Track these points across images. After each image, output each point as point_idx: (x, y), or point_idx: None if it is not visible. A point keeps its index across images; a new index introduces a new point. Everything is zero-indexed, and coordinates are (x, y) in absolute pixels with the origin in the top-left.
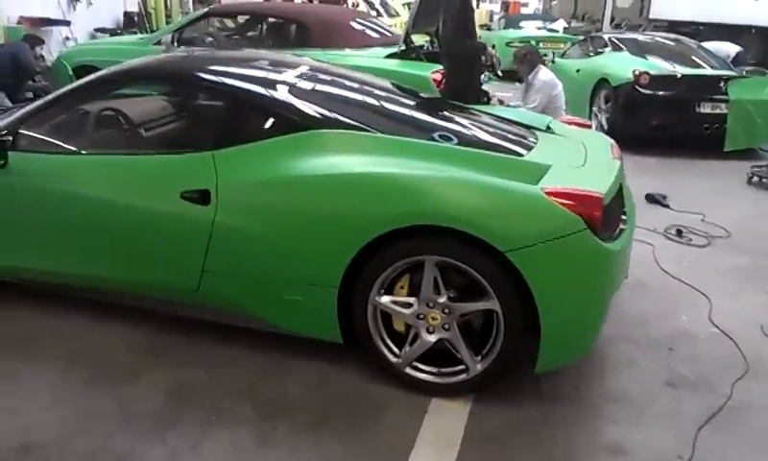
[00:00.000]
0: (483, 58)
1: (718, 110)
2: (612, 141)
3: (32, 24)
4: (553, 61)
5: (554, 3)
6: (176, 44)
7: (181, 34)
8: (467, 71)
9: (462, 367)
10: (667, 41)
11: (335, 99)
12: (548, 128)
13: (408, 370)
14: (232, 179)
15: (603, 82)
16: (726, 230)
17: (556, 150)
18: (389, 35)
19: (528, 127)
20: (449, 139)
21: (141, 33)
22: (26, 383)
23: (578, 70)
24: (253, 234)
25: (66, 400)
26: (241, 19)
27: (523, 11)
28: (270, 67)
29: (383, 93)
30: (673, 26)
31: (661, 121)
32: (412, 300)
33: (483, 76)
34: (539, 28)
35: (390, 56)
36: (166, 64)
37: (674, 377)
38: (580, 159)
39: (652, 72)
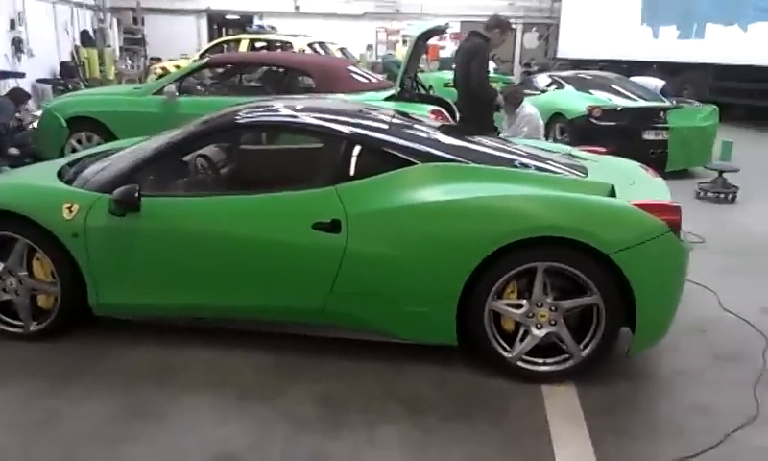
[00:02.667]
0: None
1: (660, 137)
2: (638, 163)
3: None
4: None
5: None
6: (177, 93)
7: (182, 83)
8: (486, 110)
9: (566, 356)
10: (603, 78)
11: (427, 137)
12: (571, 154)
13: (519, 363)
14: (360, 209)
15: (557, 116)
16: (699, 237)
17: (605, 171)
18: (376, 80)
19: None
20: (527, 166)
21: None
22: (188, 406)
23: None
24: (382, 257)
25: (232, 416)
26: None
27: (441, 53)
28: (366, 113)
29: (451, 131)
30: (576, 64)
31: (613, 148)
32: (522, 301)
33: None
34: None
35: (388, 98)
36: (280, 114)
37: (717, 353)
38: (628, 178)
39: (603, 106)
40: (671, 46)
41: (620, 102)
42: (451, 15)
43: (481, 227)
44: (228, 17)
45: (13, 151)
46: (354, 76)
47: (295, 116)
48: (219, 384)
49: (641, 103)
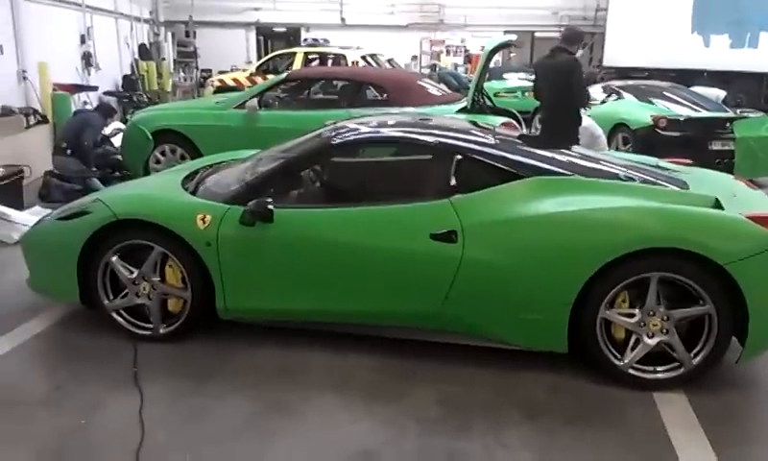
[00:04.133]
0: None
1: (727, 147)
2: (732, 176)
3: (64, 90)
4: None
5: (512, 55)
6: (258, 108)
7: (261, 97)
8: (576, 125)
9: (676, 364)
10: (661, 87)
11: (531, 151)
12: (658, 166)
13: (630, 371)
14: (475, 220)
15: (620, 126)
16: None
17: (704, 183)
18: (445, 93)
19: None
20: (632, 179)
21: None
22: (321, 405)
23: (589, 116)
24: (497, 265)
25: (362, 415)
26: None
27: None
28: (472, 129)
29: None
30: (622, 72)
31: (679, 158)
32: (634, 310)
33: None
34: (520, 79)
35: (460, 111)
36: (398, 130)
37: None
38: (728, 190)
39: (669, 116)
40: (723, 55)
41: (683, 112)
42: (494, 25)
43: (597, 237)
44: (275, 30)
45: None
46: (426, 89)
47: (412, 132)
48: (342, 385)
49: (707, 113)
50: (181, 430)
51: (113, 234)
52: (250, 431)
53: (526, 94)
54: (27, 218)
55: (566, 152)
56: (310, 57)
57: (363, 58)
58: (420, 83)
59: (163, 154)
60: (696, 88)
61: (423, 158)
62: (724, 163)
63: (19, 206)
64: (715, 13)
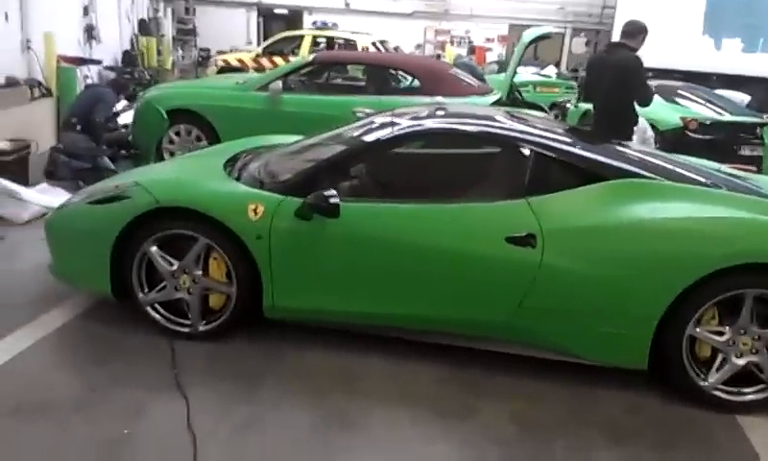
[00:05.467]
0: None
1: (756, 153)
2: None
3: (68, 63)
4: (576, 106)
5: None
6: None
7: (286, 80)
8: (631, 125)
9: (763, 385)
10: (689, 89)
11: (612, 151)
12: (720, 171)
13: (716, 392)
14: (557, 224)
15: None
16: None
17: None
18: (479, 84)
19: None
20: (718, 186)
21: (137, 69)
22: (387, 419)
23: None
24: (579, 274)
25: (436, 433)
26: (351, 67)
27: (488, 56)
28: (546, 125)
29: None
30: None
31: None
32: (724, 328)
33: None
34: (533, 73)
35: (495, 102)
36: (472, 122)
37: None
38: None
39: (700, 119)
40: (735, 58)
41: (710, 115)
42: (501, 17)
43: (693, 249)
44: (275, 12)
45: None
46: (459, 78)
47: (488, 125)
48: (406, 396)
49: (737, 117)
50: (237, 442)
51: (154, 222)
52: (312, 445)
53: (537, 89)
54: (36, 197)
55: (649, 152)
56: (318, 40)
57: (373, 44)
58: (451, 72)
59: (178, 134)
60: (721, 91)
61: (496, 153)
62: (753, 170)
63: (25, 182)
64: (728, 16)
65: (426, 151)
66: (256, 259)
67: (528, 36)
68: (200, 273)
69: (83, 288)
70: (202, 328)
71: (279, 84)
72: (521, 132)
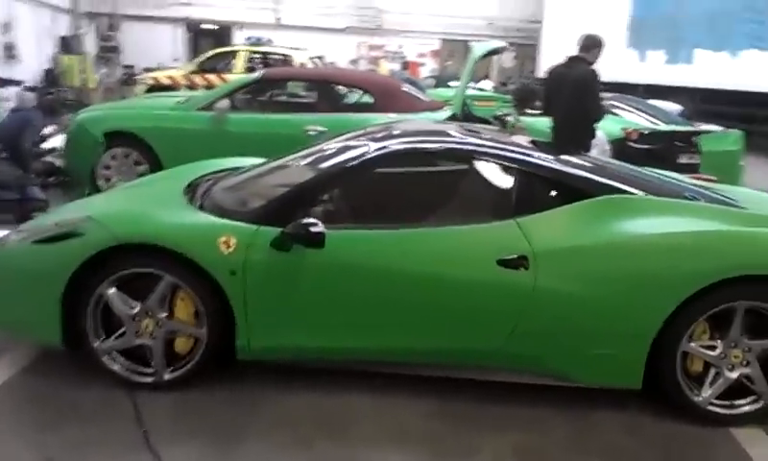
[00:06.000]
0: None
1: (693, 161)
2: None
3: None
4: (518, 120)
5: (447, 64)
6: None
7: (232, 99)
8: (590, 137)
9: (754, 397)
10: (624, 100)
11: (595, 166)
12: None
13: (709, 406)
14: (548, 244)
15: None
16: None
17: (755, 203)
18: (427, 99)
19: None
20: (696, 199)
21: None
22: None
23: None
24: (574, 296)
25: None
26: (296, 84)
27: (421, 70)
28: (528, 144)
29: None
30: None
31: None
32: (716, 342)
33: None
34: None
35: (450, 118)
36: (460, 140)
37: None
38: None
39: (640, 129)
40: (658, 70)
41: (646, 124)
42: (433, 32)
43: (687, 264)
44: (204, 27)
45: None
46: (412, 94)
47: (478, 144)
48: (401, 438)
49: (675, 127)
50: None
51: (110, 261)
52: None
53: (475, 103)
54: None
55: (625, 167)
56: (253, 56)
57: (310, 59)
58: (404, 88)
59: (114, 159)
60: (653, 101)
61: (479, 172)
62: (715, 179)
63: None
64: (650, 31)
65: (405, 171)
66: (229, 297)
67: (479, 50)
68: (165, 315)
69: (24, 339)
70: (167, 377)
71: (226, 102)
72: (504, 149)
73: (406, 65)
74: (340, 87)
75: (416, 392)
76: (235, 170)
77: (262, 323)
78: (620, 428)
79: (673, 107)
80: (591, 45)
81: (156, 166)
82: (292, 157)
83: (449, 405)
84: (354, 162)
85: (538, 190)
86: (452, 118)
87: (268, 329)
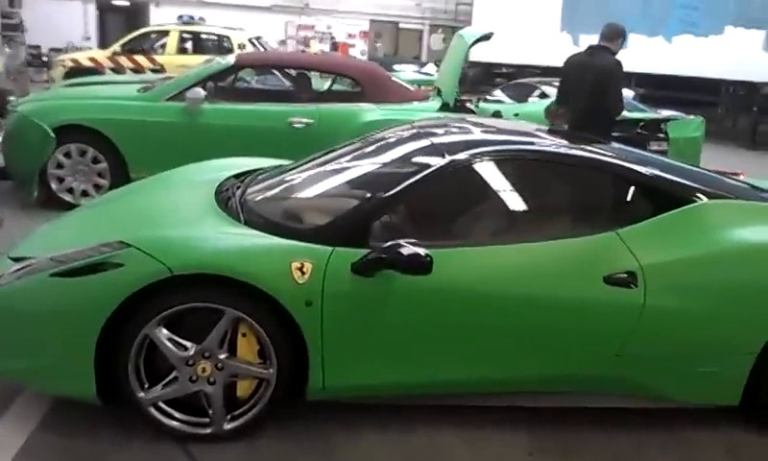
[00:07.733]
0: None
1: (662, 147)
2: None
3: None
4: (477, 106)
5: (378, 45)
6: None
7: (205, 86)
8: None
9: None
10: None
11: (683, 169)
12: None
13: None
14: (656, 257)
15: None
16: None
17: None
18: (414, 88)
19: None
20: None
21: None
22: None
23: (516, 114)
24: (686, 314)
25: None
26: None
27: (350, 52)
28: (610, 146)
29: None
30: (487, 68)
31: None
32: None
33: None
34: (414, 72)
35: (442, 108)
36: (542, 144)
37: None
38: None
39: None
40: None
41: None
42: (362, 13)
43: None
44: (115, 3)
45: None
46: (400, 83)
47: (563, 147)
48: None
49: (642, 114)
50: None
51: (158, 295)
52: None
53: (422, 88)
54: None
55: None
56: (185, 36)
57: (249, 41)
58: (393, 77)
59: (68, 156)
60: None
61: (574, 179)
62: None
63: None
64: (584, 14)
65: (495, 181)
66: (303, 331)
67: (470, 36)
68: (225, 356)
69: (42, 391)
70: (227, 426)
71: (200, 92)
72: (597, 153)
73: (336, 46)
74: (320, 74)
75: (504, 424)
76: (258, 172)
77: (340, 358)
78: (721, 448)
79: (628, 92)
80: (615, 35)
81: (117, 164)
82: (339, 155)
83: (547, 437)
84: (448, 169)
85: (636, 198)
86: (446, 108)
87: (346, 366)
